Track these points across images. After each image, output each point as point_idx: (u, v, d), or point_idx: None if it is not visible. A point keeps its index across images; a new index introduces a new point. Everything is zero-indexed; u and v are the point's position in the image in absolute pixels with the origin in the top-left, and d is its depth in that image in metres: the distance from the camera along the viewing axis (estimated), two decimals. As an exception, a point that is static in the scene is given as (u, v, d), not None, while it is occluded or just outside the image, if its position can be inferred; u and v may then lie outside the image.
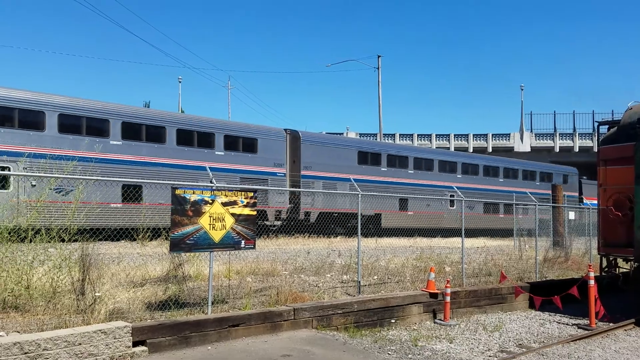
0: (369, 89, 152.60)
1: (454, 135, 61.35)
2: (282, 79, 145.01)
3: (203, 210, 7.95)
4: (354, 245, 11.11)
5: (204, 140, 22.27)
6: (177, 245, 7.83)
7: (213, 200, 8.07)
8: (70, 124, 19.28)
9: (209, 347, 7.42)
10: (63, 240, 8.19)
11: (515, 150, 59.12)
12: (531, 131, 62.04)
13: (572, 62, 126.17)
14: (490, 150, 58.70)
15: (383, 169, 28.35)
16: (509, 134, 61.08)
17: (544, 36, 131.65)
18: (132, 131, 20.49)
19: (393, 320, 9.99)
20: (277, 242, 18.26)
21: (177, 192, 7.80)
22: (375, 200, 22.66)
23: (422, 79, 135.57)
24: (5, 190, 16.27)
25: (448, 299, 10.52)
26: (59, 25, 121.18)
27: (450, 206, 29.02)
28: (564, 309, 11.84)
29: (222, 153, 22.62)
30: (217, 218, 8.09)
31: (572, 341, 9.62)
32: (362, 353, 7.83)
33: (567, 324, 11.10)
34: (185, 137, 21.76)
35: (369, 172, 27.34)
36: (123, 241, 13.49)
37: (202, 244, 7.99)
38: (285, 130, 25.96)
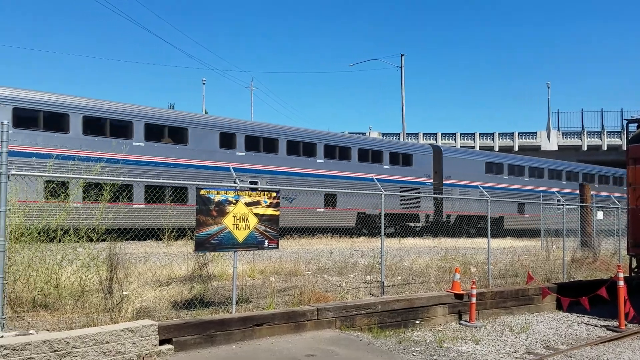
0: (392, 88, 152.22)
1: (479, 134, 60.67)
2: (304, 80, 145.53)
3: (227, 211, 8.01)
4: (377, 246, 11.07)
5: (375, 157, 27.54)
6: (202, 245, 7.91)
7: (237, 201, 8.12)
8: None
9: (234, 346, 7.47)
10: (91, 240, 8.34)
11: (542, 149, 58.21)
12: (558, 129, 61.01)
13: (600, 60, 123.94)
14: (516, 149, 57.89)
15: (505, 177, 32.74)
16: (536, 133, 60.13)
17: (572, 33, 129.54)
18: (324, 150, 25.59)
19: (417, 321, 9.92)
20: (300, 242, 18.30)
21: (202, 192, 7.87)
22: (500, 205, 25.45)
23: (445, 78, 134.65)
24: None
25: (474, 300, 10.40)
26: (79, 28, 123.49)
27: (557, 209, 31.37)
28: (592, 310, 11.61)
29: (388, 167, 27.77)
30: (241, 218, 8.14)
31: (600, 343, 9.44)
32: (386, 354, 7.79)
33: (595, 326, 10.89)
34: (364, 155, 26.97)
35: (494, 180, 31.28)
36: (149, 241, 13.69)
37: (226, 243, 8.06)
38: (431, 145, 31.86)
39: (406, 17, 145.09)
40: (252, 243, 8.35)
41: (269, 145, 23.68)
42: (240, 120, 24.71)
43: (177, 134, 21.52)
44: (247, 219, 8.20)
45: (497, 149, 57.20)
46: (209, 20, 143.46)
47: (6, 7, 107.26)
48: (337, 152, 25.81)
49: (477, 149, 56.60)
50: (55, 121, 18.94)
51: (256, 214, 8.32)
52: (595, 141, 59.38)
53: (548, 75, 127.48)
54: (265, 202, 8.44)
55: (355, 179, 25.37)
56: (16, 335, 6.07)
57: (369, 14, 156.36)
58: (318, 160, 25.01)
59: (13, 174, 6.56)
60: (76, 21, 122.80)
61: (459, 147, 55.50)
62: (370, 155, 27.12)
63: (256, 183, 21.78)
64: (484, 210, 13.45)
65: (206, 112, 48.85)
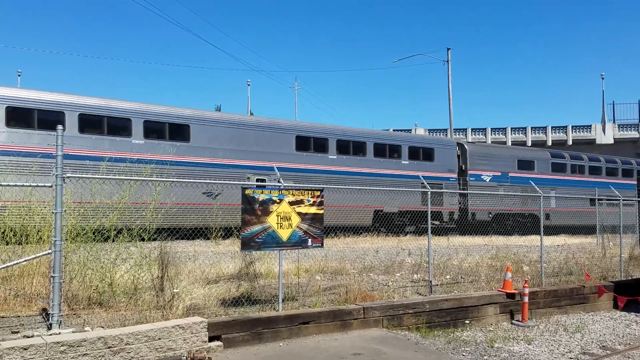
0: (438, 84, 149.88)
1: (531, 128, 58.98)
2: (348, 78, 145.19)
3: (271, 210, 8.08)
4: (424, 244, 10.92)
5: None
6: (248, 244, 8.02)
7: (281, 200, 8.19)
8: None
9: (281, 344, 7.54)
10: (143, 239, 8.58)
11: (597, 142, 56.15)
12: (614, 122, 58.68)
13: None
14: (570, 143, 56.03)
15: None
16: (590, 126, 57.99)
17: (625, 25, 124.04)
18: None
19: (467, 321, 9.73)
20: (345, 240, 18.28)
21: (247, 192, 7.97)
22: None
23: (494, 72, 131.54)
24: None
25: (526, 299, 10.12)
26: (131, 34, 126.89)
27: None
28: (653, 310, 11.11)
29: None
30: (284, 217, 8.20)
31: (662, 345, 9.01)
32: (435, 354, 7.69)
33: (657, 327, 10.40)
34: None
35: None
36: (198, 240, 13.97)
37: (271, 242, 8.13)
38: None
39: (478, 7, 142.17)
40: (296, 242, 8.39)
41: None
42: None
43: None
44: (290, 218, 8.25)
45: (550, 143, 55.54)
46: (252, 21, 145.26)
47: (70, 14, 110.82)
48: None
49: (529, 143, 55.18)
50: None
51: (299, 213, 8.36)
52: (655, 133, 56.82)
53: (602, 67, 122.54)
54: (309, 201, 8.46)
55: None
56: (72, 332, 6.31)
57: (415, 9, 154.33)
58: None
59: (68, 177, 6.83)
60: (145, 30, 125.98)
61: (509, 142, 54.27)
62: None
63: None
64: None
65: (251, 114, 49.50)
